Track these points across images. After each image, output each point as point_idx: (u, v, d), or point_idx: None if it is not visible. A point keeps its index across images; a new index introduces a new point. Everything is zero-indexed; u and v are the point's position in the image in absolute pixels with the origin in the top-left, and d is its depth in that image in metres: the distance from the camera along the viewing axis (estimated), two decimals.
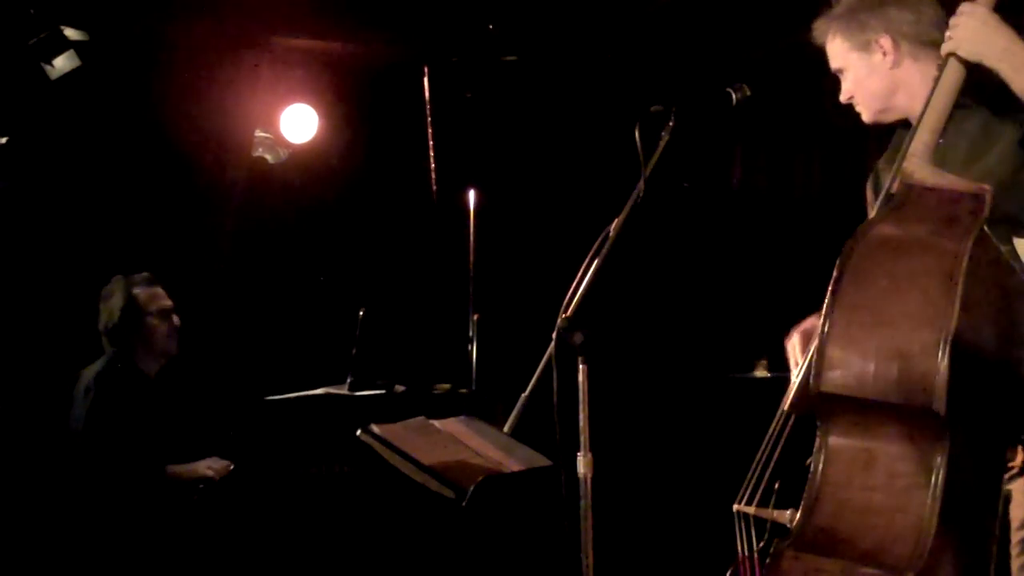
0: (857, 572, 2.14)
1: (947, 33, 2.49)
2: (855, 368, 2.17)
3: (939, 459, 2.15)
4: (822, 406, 2.26)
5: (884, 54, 2.72)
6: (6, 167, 4.91)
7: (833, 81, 2.82)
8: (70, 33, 4.78)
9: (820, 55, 2.81)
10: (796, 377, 2.54)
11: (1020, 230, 2.36)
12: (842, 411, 2.24)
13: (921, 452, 2.16)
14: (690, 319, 5.83)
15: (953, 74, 2.50)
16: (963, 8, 2.49)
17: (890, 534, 2.15)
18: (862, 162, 4.31)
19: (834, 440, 2.26)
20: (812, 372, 2.22)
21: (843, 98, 2.82)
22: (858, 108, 2.80)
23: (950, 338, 2.09)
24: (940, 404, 2.10)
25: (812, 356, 2.26)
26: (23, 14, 4.64)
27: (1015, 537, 2.52)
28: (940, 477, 2.14)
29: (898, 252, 2.25)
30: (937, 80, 2.50)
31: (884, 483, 2.19)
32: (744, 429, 2.71)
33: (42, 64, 4.70)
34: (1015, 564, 2.53)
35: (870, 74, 2.74)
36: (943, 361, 2.09)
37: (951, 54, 2.47)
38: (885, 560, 2.13)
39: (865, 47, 2.73)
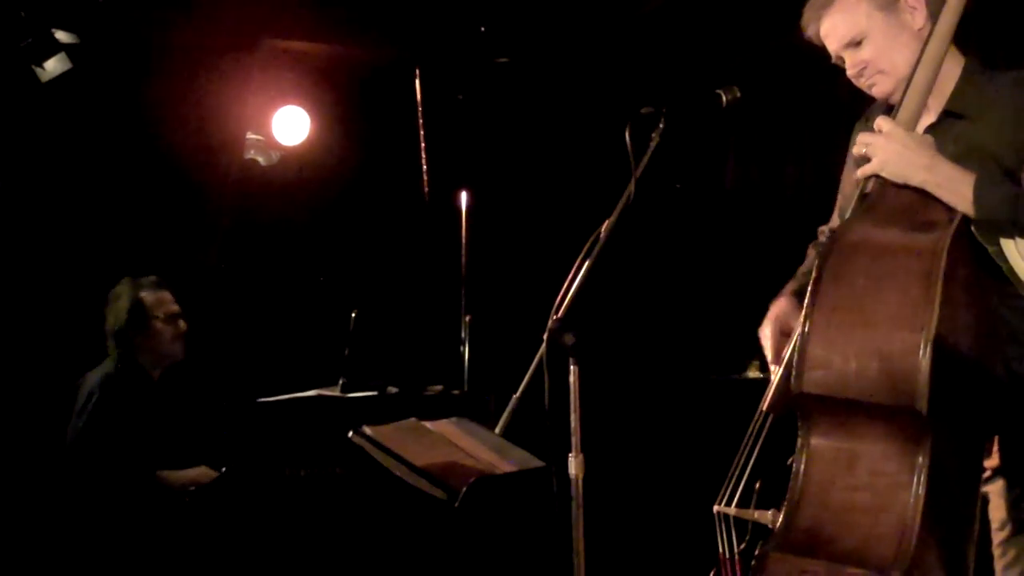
0: (843, 572, 2.14)
1: (864, 152, 2.40)
2: (836, 368, 2.17)
3: (921, 458, 2.15)
4: (804, 406, 2.26)
5: (912, 12, 2.50)
6: None
7: (830, 72, 2.71)
8: (61, 36, 4.77)
9: (812, 53, 2.71)
10: (774, 377, 2.51)
11: (1007, 231, 2.35)
12: (824, 411, 2.24)
13: (904, 451, 2.16)
14: (682, 320, 5.83)
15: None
16: (882, 126, 2.39)
17: (874, 533, 2.15)
18: None
19: (816, 440, 2.26)
20: (793, 372, 2.21)
21: (854, 70, 2.56)
22: (871, 80, 2.56)
23: (932, 337, 2.09)
24: (922, 403, 2.10)
25: (791, 357, 2.26)
26: (14, 17, 4.63)
27: (995, 539, 2.52)
28: (923, 476, 2.14)
29: (876, 251, 2.24)
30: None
31: (867, 482, 2.19)
32: (737, 430, 2.71)
33: (33, 67, 4.70)
34: (998, 565, 2.53)
35: (898, 36, 2.50)
36: (925, 360, 2.09)
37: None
38: (870, 560, 2.13)
39: (892, 5, 2.51)
